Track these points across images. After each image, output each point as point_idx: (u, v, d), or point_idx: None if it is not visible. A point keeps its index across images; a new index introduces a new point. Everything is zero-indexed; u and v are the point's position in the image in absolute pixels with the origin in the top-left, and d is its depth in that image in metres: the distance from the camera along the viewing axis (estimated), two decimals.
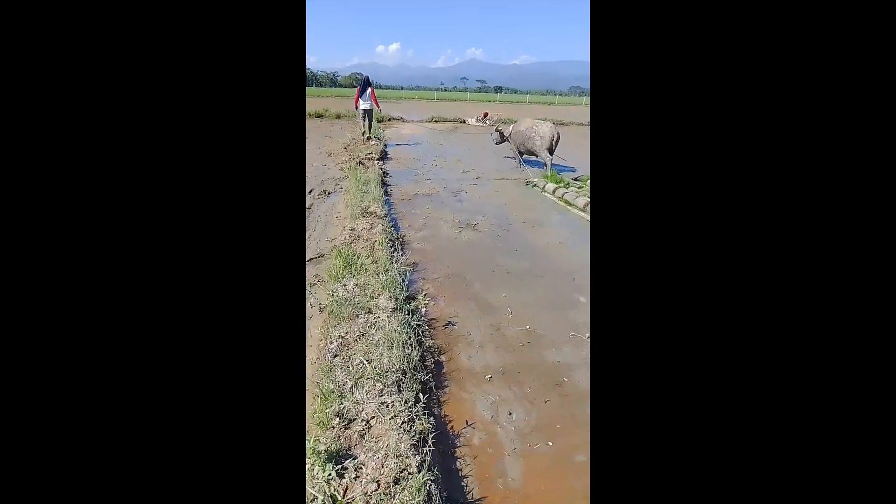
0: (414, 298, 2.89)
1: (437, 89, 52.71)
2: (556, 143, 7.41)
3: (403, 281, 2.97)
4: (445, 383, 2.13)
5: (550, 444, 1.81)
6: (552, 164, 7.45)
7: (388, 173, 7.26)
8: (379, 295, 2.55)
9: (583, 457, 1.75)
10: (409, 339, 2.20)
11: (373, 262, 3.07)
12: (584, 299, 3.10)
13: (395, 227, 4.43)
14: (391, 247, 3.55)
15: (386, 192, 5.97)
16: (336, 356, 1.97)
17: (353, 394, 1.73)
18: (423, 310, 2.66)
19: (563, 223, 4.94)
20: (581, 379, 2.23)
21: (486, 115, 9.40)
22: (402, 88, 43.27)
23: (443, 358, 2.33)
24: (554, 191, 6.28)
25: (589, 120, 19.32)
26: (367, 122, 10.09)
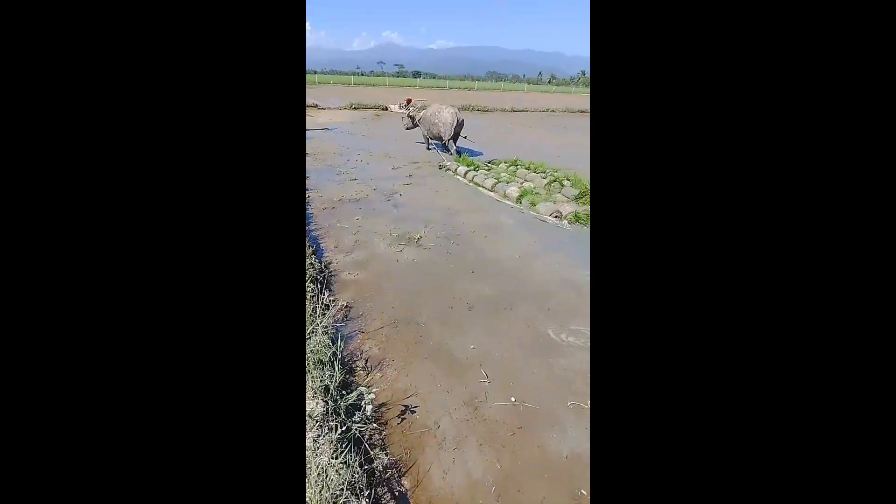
0: (352, 374, 2.04)
1: (353, 73, 49.70)
2: (458, 128, 7.57)
3: (333, 342, 2.11)
4: None
5: None
6: (458, 148, 7.60)
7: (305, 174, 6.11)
8: None
9: None
10: (353, 474, 1.37)
11: None
12: (567, 336, 2.50)
13: (318, 250, 3.47)
14: (314, 286, 2.62)
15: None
16: None
17: None
18: (368, 398, 1.81)
19: (517, 227, 4.35)
20: None
21: (409, 101, 8.57)
22: (316, 72, 39.71)
23: (406, 484, 1.54)
24: (465, 174, 6.39)
25: (511, 107, 19.49)
26: None
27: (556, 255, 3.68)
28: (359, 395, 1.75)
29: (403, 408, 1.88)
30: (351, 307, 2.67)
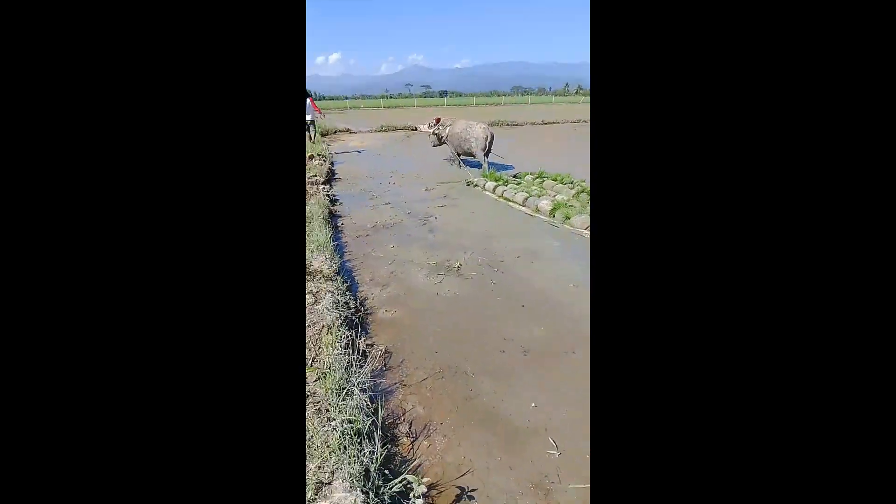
0: (395, 443, 1.73)
1: (383, 97, 51.27)
2: (490, 143, 7.42)
3: (372, 401, 1.82)
4: None
5: None
6: (489, 163, 7.46)
7: (337, 199, 6.01)
8: (331, 478, 1.38)
9: None
10: None
11: (317, 380, 1.88)
12: None
13: (352, 285, 3.24)
14: (350, 332, 2.37)
15: (336, 226, 4.75)
16: None
17: None
18: (418, 490, 1.48)
19: (563, 250, 3.97)
20: None
21: (438, 120, 8.39)
22: (347, 98, 41.29)
23: None
24: (494, 189, 6.21)
25: (542, 120, 19.14)
26: (310, 133, 10.04)
27: None
28: (405, 484, 1.43)
29: (459, 491, 1.54)
30: (390, 353, 2.39)
